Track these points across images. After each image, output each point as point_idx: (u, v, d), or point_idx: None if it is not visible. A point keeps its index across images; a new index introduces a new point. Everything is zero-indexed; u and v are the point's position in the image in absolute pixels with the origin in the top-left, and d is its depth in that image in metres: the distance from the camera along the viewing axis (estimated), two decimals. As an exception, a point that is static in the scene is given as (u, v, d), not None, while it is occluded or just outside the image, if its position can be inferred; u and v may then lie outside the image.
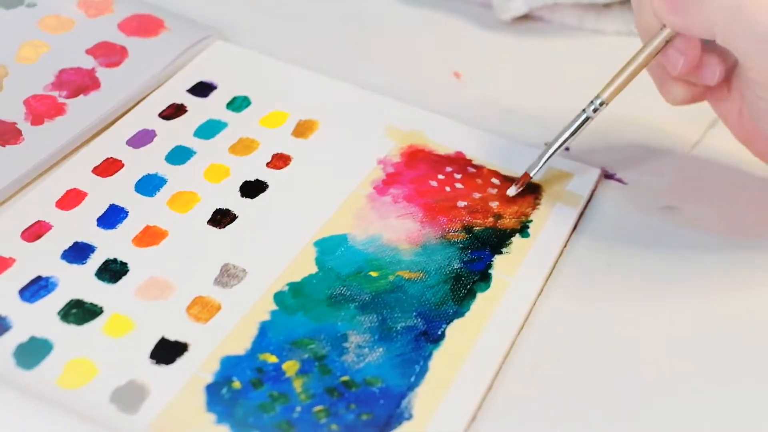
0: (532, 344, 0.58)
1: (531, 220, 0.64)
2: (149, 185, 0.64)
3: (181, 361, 0.54)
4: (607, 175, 0.68)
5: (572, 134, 0.64)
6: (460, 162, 0.68)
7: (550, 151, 0.64)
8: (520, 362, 0.57)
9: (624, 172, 0.69)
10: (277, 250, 0.61)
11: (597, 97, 0.63)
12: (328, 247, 0.61)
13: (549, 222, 0.64)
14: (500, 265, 0.61)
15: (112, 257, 0.59)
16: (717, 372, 0.58)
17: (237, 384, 0.53)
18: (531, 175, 0.64)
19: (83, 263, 0.59)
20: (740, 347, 0.59)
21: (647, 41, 0.62)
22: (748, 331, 0.60)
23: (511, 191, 0.65)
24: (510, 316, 0.58)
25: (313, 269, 0.60)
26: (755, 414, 0.56)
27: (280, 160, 0.67)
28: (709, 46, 0.61)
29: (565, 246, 0.63)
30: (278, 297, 0.58)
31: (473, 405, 0.54)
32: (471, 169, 0.67)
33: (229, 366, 0.54)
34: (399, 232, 0.62)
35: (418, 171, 0.67)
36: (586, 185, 0.67)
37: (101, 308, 0.56)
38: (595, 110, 0.63)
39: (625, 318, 0.60)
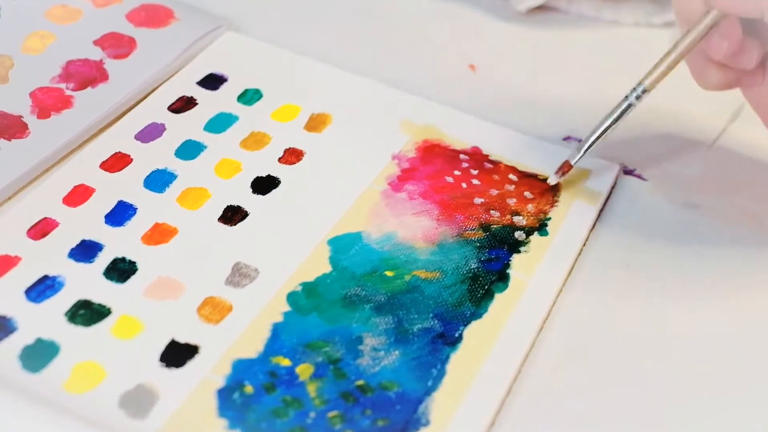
0: (551, 346, 0.57)
1: (549, 218, 0.62)
2: (158, 181, 0.63)
3: (191, 364, 0.53)
4: (626, 171, 0.67)
5: (614, 122, 0.63)
6: (476, 157, 0.66)
7: (592, 138, 0.63)
8: (540, 365, 0.56)
9: (643, 168, 0.68)
10: (289, 248, 0.59)
11: (639, 83, 0.62)
12: (342, 246, 0.59)
13: (568, 220, 0.62)
14: (518, 264, 0.59)
15: (120, 256, 0.58)
16: (742, 372, 0.56)
17: (249, 388, 0.52)
18: (572, 163, 0.63)
19: (91, 262, 0.57)
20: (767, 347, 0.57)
21: (692, 27, 0.60)
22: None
23: (552, 180, 0.64)
24: (529, 318, 0.57)
25: (327, 268, 0.58)
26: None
27: (292, 155, 0.65)
28: (749, 29, 0.60)
29: (584, 244, 0.62)
30: (291, 297, 0.56)
31: (492, 410, 0.52)
32: (488, 165, 0.66)
33: (241, 369, 0.52)
34: (415, 229, 0.61)
35: (434, 166, 0.65)
36: (605, 182, 0.65)
37: (109, 309, 0.55)
38: (637, 97, 0.62)
39: (647, 318, 0.59)
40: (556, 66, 0.76)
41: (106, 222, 0.60)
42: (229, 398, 0.51)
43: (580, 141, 0.66)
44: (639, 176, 0.67)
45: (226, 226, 0.60)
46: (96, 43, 0.72)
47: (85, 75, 0.69)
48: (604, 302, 0.59)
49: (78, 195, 0.61)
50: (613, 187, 0.66)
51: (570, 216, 0.63)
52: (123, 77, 0.69)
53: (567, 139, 0.69)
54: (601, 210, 0.64)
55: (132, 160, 0.64)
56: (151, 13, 0.75)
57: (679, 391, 0.55)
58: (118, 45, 0.72)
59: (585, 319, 0.58)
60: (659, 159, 0.68)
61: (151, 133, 0.66)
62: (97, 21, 0.74)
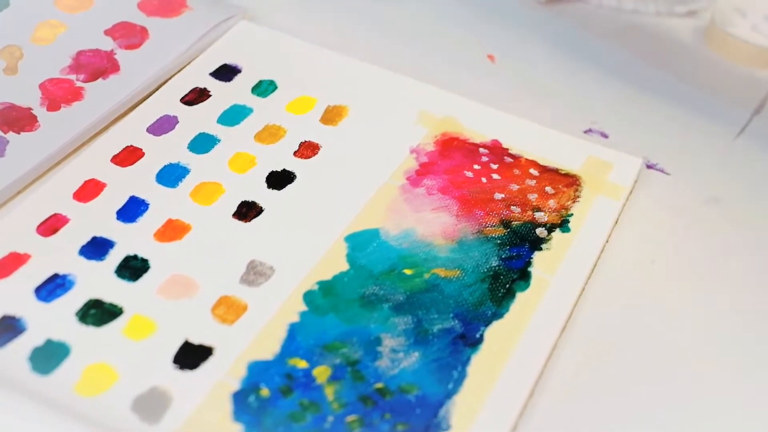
0: (574, 347, 0.55)
1: (572, 214, 0.61)
2: (171, 175, 0.61)
3: (205, 367, 0.51)
4: (648, 166, 0.65)
5: None
6: (496, 151, 0.65)
7: None
8: (563, 366, 0.54)
9: (666, 162, 0.66)
10: (305, 245, 0.58)
11: None
12: (359, 243, 0.58)
13: (590, 215, 0.61)
14: (540, 262, 0.58)
15: (132, 253, 0.56)
16: None
17: (265, 391, 0.50)
18: None
19: (102, 259, 0.56)
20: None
21: None
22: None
23: None
24: (551, 318, 0.55)
25: (345, 266, 0.57)
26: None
27: (308, 149, 0.64)
28: None
29: (607, 241, 0.60)
30: (308, 297, 0.55)
31: (514, 413, 0.51)
32: (508, 159, 0.64)
33: (257, 372, 0.51)
34: (434, 226, 0.59)
35: (453, 160, 0.64)
36: (628, 176, 0.64)
37: (121, 308, 0.53)
38: None
39: (671, 317, 0.57)
40: (576, 56, 0.74)
41: (117, 218, 0.58)
42: (244, 402, 0.50)
43: (601, 133, 0.65)
44: (661, 170, 0.65)
45: (240, 222, 0.59)
46: (107, 32, 0.70)
47: (96, 66, 0.67)
48: (627, 300, 0.58)
49: (89, 190, 0.60)
50: (635, 182, 0.64)
51: (593, 212, 0.61)
52: (135, 68, 0.67)
53: (588, 131, 0.67)
54: (623, 205, 0.62)
55: (144, 153, 0.62)
56: (163, 2, 0.73)
57: (704, 392, 0.54)
58: (130, 35, 0.70)
59: (608, 318, 0.57)
60: (681, 152, 0.67)
61: (163, 125, 0.64)
62: (109, 10, 0.72)
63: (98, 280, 0.55)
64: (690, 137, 0.68)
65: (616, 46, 0.75)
